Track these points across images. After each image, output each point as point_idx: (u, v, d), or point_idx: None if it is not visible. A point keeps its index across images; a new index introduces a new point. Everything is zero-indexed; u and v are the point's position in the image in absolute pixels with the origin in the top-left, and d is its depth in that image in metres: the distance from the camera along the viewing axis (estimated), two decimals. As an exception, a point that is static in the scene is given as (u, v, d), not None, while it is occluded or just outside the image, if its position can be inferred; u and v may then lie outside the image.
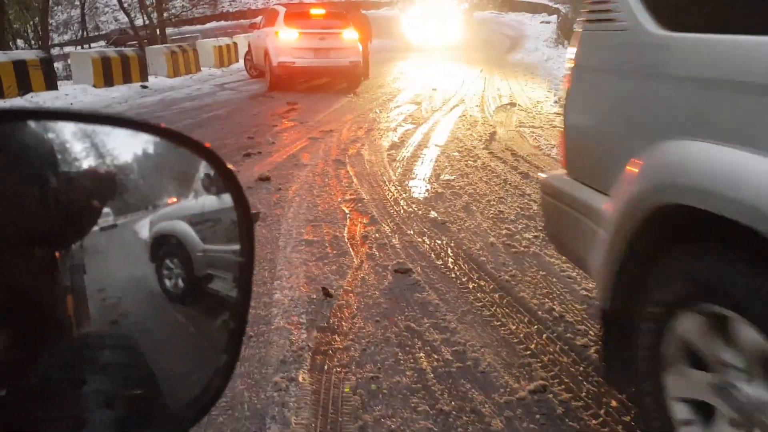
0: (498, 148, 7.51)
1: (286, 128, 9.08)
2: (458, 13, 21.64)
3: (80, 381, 0.66)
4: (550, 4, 32.35)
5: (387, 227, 4.71)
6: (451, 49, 20.90)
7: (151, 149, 0.72)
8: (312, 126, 9.13)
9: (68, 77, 15.34)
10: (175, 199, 0.77)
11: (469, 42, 23.06)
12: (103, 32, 34.00)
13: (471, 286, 3.61)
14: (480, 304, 3.38)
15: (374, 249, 4.25)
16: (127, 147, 0.71)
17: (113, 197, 0.71)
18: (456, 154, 7.21)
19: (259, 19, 17.95)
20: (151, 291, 0.74)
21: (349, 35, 13.33)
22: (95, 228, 0.68)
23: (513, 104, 11.36)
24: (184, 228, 0.76)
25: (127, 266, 0.74)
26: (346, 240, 4.44)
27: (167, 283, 0.75)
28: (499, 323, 3.16)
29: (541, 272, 3.77)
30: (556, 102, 11.65)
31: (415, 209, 5.14)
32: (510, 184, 5.85)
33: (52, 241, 0.67)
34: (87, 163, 0.69)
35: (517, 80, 15.45)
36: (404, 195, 5.57)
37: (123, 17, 30.47)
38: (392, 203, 5.32)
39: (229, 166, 0.73)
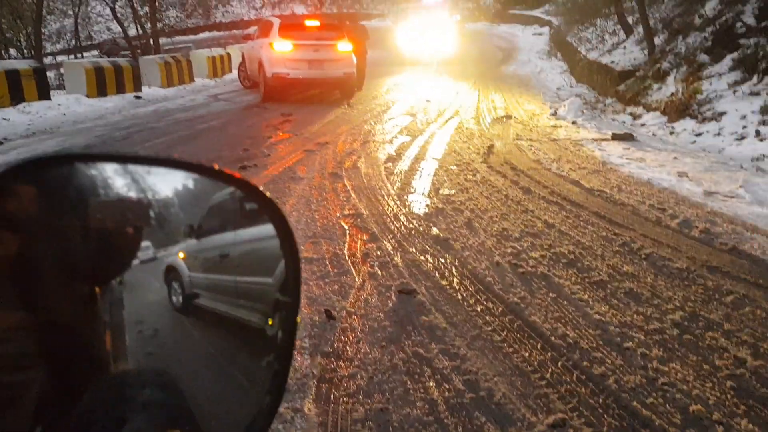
0: (497, 162, 7.40)
1: (281, 140, 8.94)
2: (451, 24, 21.38)
3: (121, 420, 0.66)
4: (542, 16, 32.48)
5: (388, 244, 4.57)
6: (445, 61, 20.50)
7: (191, 184, 0.75)
8: (307, 138, 8.99)
9: (61, 87, 15.14)
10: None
11: (462, 53, 23.01)
12: (96, 42, 33.80)
13: (479, 309, 3.47)
14: (490, 328, 3.25)
15: (376, 267, 4.11)
16: (166, 182, 0.73)
17: (148, 223, 0.72)
18: (454, 167, 7.09)
19: (253, 29, 17.88)
20: (189, 325, 0.75)
21: (344, 47, 13.24)
22: (135, 261, 0.70)
23: (509, 116, 11.29)
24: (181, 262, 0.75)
25: (164, 299, 0.74)
26: (347, 258, 4.30)
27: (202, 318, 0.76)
28: (511, 350, 3.02)
29: (551, 294, 3.64)
30: (552, 114, 11.60)
31: (416, 225, 5.01)
32: (511, 199, 5.74)
33: (93, 275, 0.68)
34: (126, 195, 0.72)
35: (511, 92, 15.41)
36: (404, 210, 5.44)
37: (116, 27, 30.32)
38: (392, 219, 5.19)
39: (273, 200, 0.74)
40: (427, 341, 3.13)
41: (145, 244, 0.71)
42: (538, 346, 3.05)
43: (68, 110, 12.02)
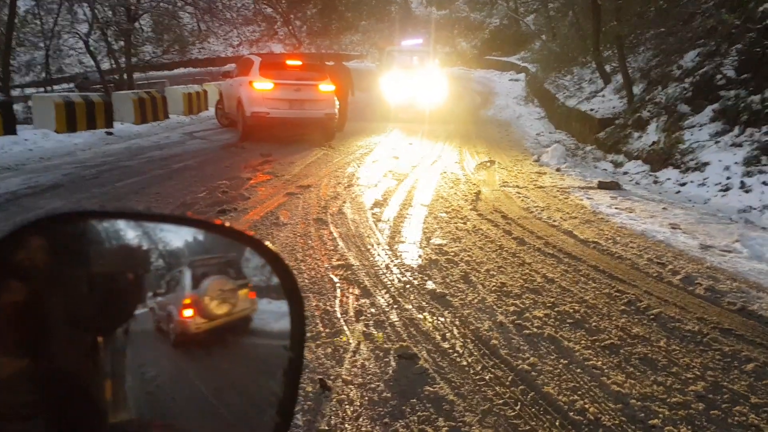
0: (486, 210, 7.21)
1: (261, 182, 8.66)
2: (437, 70, 19.99)
3: None
4: (518, 62, 32.99)
5: (382, 300, 4.29)
6: (424, 105, 18.80)
7: (200, 237, 0.77)
8: (288, 180, 8.73)
9: (28, 121, 14.65)
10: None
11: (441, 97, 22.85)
12: (67, 75, 33.30)
13: (487, 377, 3.20)
14: (501, 400, 2.97)
15: (371, 327, 3.83)
16: (177, 236, 0.75)
17: (147, 269, 0.72)
18: (444, 215, 6.88)
19: (231, 67, 17.71)
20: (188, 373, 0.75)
21: (325, 87, 13.10)
22: (139, 309, 0.70)
23: (492, 162, 11.18)
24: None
25: (167, 344, 0.74)
26: (339, 315, 4.00)
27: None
28: (528, 428, 2.75)
29: (562, 360, 3.39)
30: (535, 161, 11.54)
31: (410, 278, 4.75)
32: (506, 251, 5.52)
33: (97, 325, 0.69)
34: (125, 243, 0.73)
35: (492, 137, 15.41)
36: (396, 261, 5.18)
37: (88, 60, 29.94)
38: (384, 271, 4.92)
39: (281, 255, 0.75)
40: (434, 416, 2.84)
41: (149, 291, 0.70)
42: (557, 423, 2.79)
43: (35, 146, 11.55)
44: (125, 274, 0.71)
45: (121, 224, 0.73)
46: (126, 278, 0.71)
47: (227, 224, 0.76)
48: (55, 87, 29.45)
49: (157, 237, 0.73)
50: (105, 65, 28.24)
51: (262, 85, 12.60)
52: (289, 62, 13.55)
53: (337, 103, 13.31)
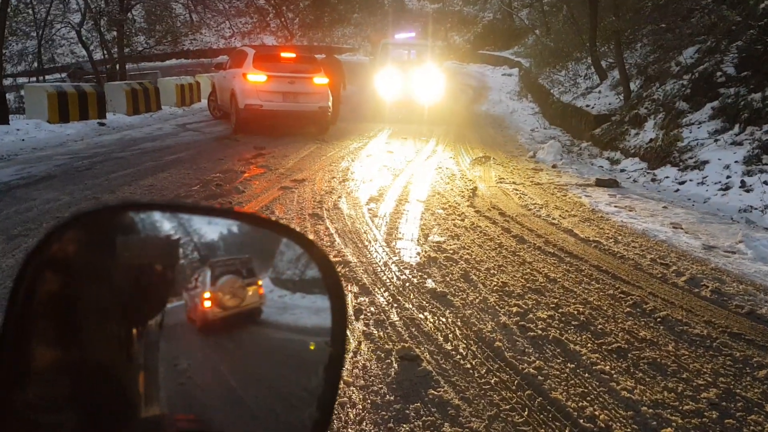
0: (483, 206, 7.11)
1: (255, 175, 8.52)
2: (434, 64, 17.89)
3: None
4: (511, 57, 32.91)
5: (381, 298, 4.18)
6: (421, 103, 17.37)
7: (235, 229, 0.78)
8: (283, 174, 8.59)
9: (21, 111, 14.41)
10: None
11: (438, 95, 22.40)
12: (59, 65, 32.92)
13: (493, 381, 3.09)
14: (508, 406, 2.87)
15: (371, 327, 3.71)
16: (212, 227, 0.76)
17: (176, 261, 0.72)
18: (441, 211, 6.77)
19: (223, 58, 17.50)
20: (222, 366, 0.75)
21: (319, 80, 12.94)
22: (171, 303, 0.71)
23: (487, 157, 11.07)
24: None
25: (200, 335, 0.75)
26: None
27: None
28: (537, 435, 2.64)
29: (569, 364, 3.29)
30: (531, 157, 11.45)
31: (409, 276, 4.64)
32: (506, 249, 5.42)
33: (130, 316, 0.69)
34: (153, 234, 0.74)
35: (486, 132, 15.32)
36: (394, 258, 5.06)
37: (80, 50, 29.64)
38: (382, 268, 4.81)
39: (320, 246, 0.76)
40: (440, 422, 2.73)
41: (183, 284, 0.71)
42: (567, 431, 2.68)
43: (27, 136, 11.37)
44: (156, 266, 0.71)
45: (156, 216, 0.73)
46: (157, 270, 0.71)
47: (268, 217, 0.82)
48: (48, 77, 29.10)
49: (192, 229, 0.74)
50: (97, 56, 27.92)
51: (256, 77, 12.43)
52: (283, 54, 13.39)
53: (330, 95, 13.15)
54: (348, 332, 0.56)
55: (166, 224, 0.73)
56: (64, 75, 29.74)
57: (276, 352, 0.80)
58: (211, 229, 0.75)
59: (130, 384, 0.68)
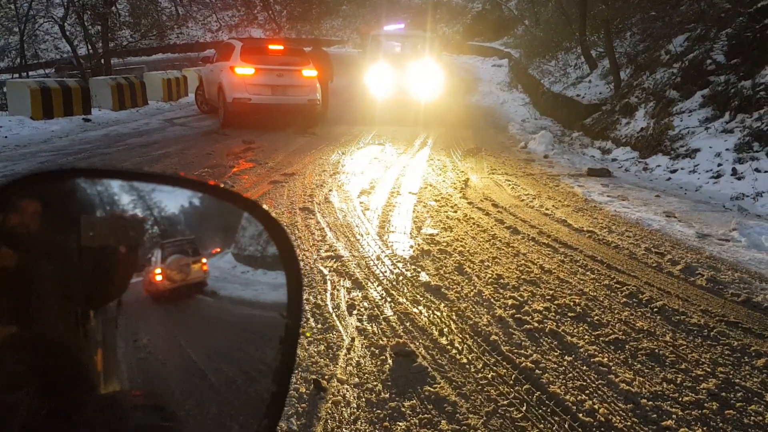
0: (476, 197, 7.05)
1: (244, 169, 8.42)
2: (431, 58, 16.21)
3: None
4: (501, 48, 32.82)
5: (375, 293, 4.11)
6: (414, 98, 15.66)
7: (197, 201, 0.76)
8: (272, 168, 8.49)
9: (3, 107, 14.20)
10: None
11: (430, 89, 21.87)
12: (43, 60, 32.50)
13: (490, 376, 3.03)
14: (506, 401, 2.81)
15: (365, 322, 3.65)
16: (173, 200, 0.74)
17: (141, 242, 0.71)
18: (433, 203, 6.71)
19: (210, 52, 17.29)
20: (184, 341, 0.75)
21: (308, 73, 12.81)
22: (133, 280, 0.70)
23: (479, 149, 11.02)
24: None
25: (165, 312, 0.75)
26: (331, 310, 3.81)
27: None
28: (536, 430, 2.59)
29: (566, 357, 3.24)
30: (522, 147, 11.40)
31: (403, 270, 4.57)
32: (500, 240, 5.36)
33: (88, 298, 0.68)
34: (119, 212, 0.71)
35: (478, 123, 15.24)
36: (387, 252, 4.99)
37: (64, 45, 29.26)
38: (375, 262, 4.74)
39: (279, 221, 0.75)
40: (436, 418, 2.67)
41: (142, 260, 0.70)
42: (566, 426, 2.63)
43: (10, 133, 11.19)
44: (121, 248, 0.69)
45: (115, 188, 0.71)
46: (121, 252, 0.68)
47: (223, 185, 0.72)
48: (31, 73, 28.73)
49: (152, 201, 0.72)
50: (82, 50, 27.58)
51: (244, 70, 12.30)
52: (271, 47, 13.24)
53: (319, 87, 13.04)
54: (303, 305, 0.71)
55: (125, 197, 0.71)
56: (48, 71, 29.37)
57: (236, 326, 0.81)
58: (171, 202, 0.73)
59: (88, 361, 0.67)
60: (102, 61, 24.01)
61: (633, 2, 13.24)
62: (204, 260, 0.76)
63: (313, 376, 2.97)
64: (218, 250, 0.79)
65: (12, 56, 30.22)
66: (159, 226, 0.74)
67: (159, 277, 0.74)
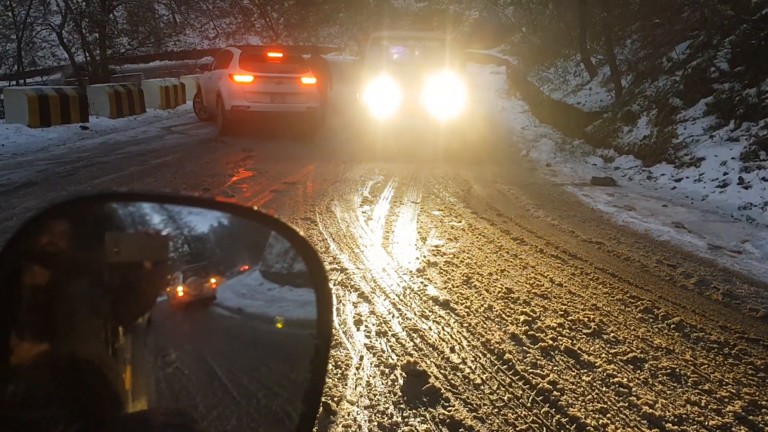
0: (480, 207, 6.93)
1: (244, 178, 8.30)
2: (450, 71, 11.52)
3: None
4: (498, 55, 32.80)
5: (382, 307, 3.99)
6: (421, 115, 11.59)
7: (225, 221, 0.78)
8: (273, 176, 8.37)
9: (0, 114, 14.07)
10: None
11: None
12: (40, 68, 32.36)
13: (506, 398, 2.91)
14: (524, 425, 2.69)
15: (373, 338, 3.52)
16: (202, 219, 0.76)
17: (165, 257, 0.72)
18: (437, 212, 6.59)
19: (208, 59, 17.17)
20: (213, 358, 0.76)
21: (307, 80, 12.70)
22: (160, 298, 0.72)
23: (481, 157, 10.90)
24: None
25: (193, 328, 0.78)
26: (337, 325, 3.69)
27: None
28: (559, 458, 2.46)
29: (584, 377, 3.11)
30: (524, 156, 11.31)
31: (409, 283, 4.45)
32: (507, 251, 5.24)
33: (117, 315, 0.68)
34: (144, 229, 0.72)
35: (478, 130, 15.11)
36: (392, 264, 4.87)
37: (62, 53, 29.14)
38: (381, 274, 4.62)
39: (308, 240, 0.75)
40: (453, 445, 2.54)
41: (179, 278, 0.72)
42: (590, 452, 2.50)
43: (7, 141, 11.06)
44: (146, 264, 0.69)
45: (146, 209, 0.72)
46: (147, 267, 0.69)
47: (256, 208, 0.75)
48: (29, 80, 28.61)
49: (182, 221, 0.73)
50: (79, 58, 27.46)
51: (242, 77, 12.19)
52: (270, 54, 13.13)
53: (318, 95, 12.92)
54: (334, 325, 0.54)
55: (155, 217, 0.72)
56: (45, 78, 29.24)
57: (262, 344, 0.82)
58: (201, 222, 0.75)
59: (117, 379, 0.67)
60: (100, 68, 23.90)
61: (634, 9, 13.18)
62: (213, 280, 0.78)
63: (322, 398, 2.83)
64: (246, 267, 0.81)
65: (9, 63, 30.06)
66: (189, 245, 0.75)
67: (181, 293, 0.76)
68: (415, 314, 3.88)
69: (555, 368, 3.21)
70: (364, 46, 14.14)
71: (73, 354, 0.63)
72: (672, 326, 3.77)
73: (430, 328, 3.68)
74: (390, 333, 3.60)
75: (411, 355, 3.31)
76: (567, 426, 2.69)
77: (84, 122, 13.70)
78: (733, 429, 2.70)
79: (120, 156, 9.96)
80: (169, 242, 0.73)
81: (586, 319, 3.83)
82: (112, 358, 0.68)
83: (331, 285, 0.64)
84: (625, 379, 3.10)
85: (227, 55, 13.30)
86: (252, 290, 0.80)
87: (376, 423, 2.69)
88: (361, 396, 2.91)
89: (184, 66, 31.56)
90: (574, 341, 3.52)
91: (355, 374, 3.11)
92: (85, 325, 0.65)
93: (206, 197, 0.72)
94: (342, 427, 2.65)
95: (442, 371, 3.16)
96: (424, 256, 5.03)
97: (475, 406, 2.84)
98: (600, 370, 3.19)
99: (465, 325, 3.73)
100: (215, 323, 0.79)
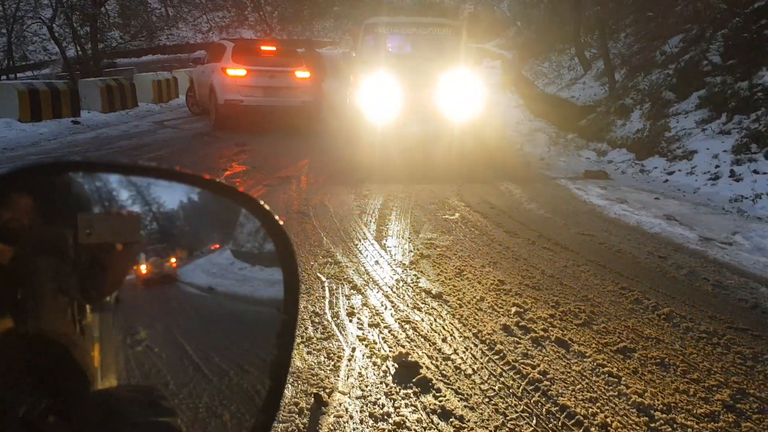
0: (473, 200, 6.95)
1: (237, 173, 8.30)
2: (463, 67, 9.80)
3: None
4: (494, 50, 32.78)
5: (375, 299, 4.00)
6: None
7: (195, 197, 0.76)
8: (266, 171, 8.37)
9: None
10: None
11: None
12: (31, 62, 32.18)
13: (497, 387, 2.93)
14: (515, 414, 2.71)
15: (365, 330, 3.54)
16: (171, 195, 0.74)
17: (138, 239, 0.71)
18: (432, 206, 6.60)
19: (201, 53, 17.13)
20: (179, 335, 0.75)
21: (302, 74, 12.67)
22: (129, 277, 0.70)
23: (474, 150, 10.88)
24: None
25: (162, 307, 0.78)
26: (330, 318, 3.70)
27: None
28: (548, 446, 2.48)
29: (574, 367, 3.14)
30: (518, 149, 11.32)
31: (402, 275, 4.46)
32: (499, 243, 5.26)
33: (85, 293, 0.67)
34: (117, 210, 0.71)
35: (471, 124, 15.11)
36: (386, 257, 4.88)
37: (53, 47, 28.98)
38: (374, 267, 4.63)
39: (276, 217, 0.75)
40: (444, 434, 2.56)
41: (140, 257, 0.71)
42: (579, 440, 2.53)
43: (-2, 135, 11.03)
44: (117, 245, 0.68)
45: (113, 183, 0.70)
46: (118, 249, 0.68)
47: (222, 180, 0.73)
48: (19, 74, 28.44)
49: (150, 197, 0.72)
50: (70, 52, 27.31)
51: (235, 71, 12.16)
52: (264, 48, 13.10)
53: (313, 89, 12.90)
54: (300, 301, 0.64)
55: (123, 192, 0.70)
56: (36, 72, 29.07)
57: (231, 321, 0.82)
58: (169, 197, 0.73)
59: (85, 357, 0.67)
60: (92, 62, 23.78)
61: (628, 3, 13.20)
62: (173, 260, 0.78)
63: (314, 390, 2.85)
64: (217, 246, 0.80)
65: (0, 58, 29.88)
66: (158, 223, 0.74)
67: (144, 271, 0.76)
68: (407, 306, 3.89)
69: (545, 358, 3.23)
70: (358, 33, 10.77)
71: (39, 331, 0.63)
72: (662, 317, 3.79)
73: (422, 320, 3.70)
74: (383, 324, 3.61)
75: (403, 347, 3.33)
76: (557, 415, 2.71)
77: (75, 117, 13.66)
78: (721, 416, 2.73)
79: (112, 150, 9.94)
80: (141, 223, 0.72)
81: (576, 310, 3.85)
82: (80, 336, 0.67)
83: (297, 261, 0.71)
84: (615, 369, 3.12)
85: (220, 48, 13.25)
86: (223, 269, 0.79)
87: (367, 413, 2.71)
88: (353, 387, 2.92)
89: (178, 60, 31.44)
90: (565, 332, 3.54)
91: (347, 366, 3.13)
92: (51, 302, 0.64)
93: (170, 168, 0.68)
94: (334, 417, 2.67)
95: (433, 362, 3.18)
96: (417, 249, 5.04)
97: (466, 395, 2.86)
98: (590, 359, 3.22)
99: (456, 316, 3.75)
100: (186, 302, 0.78)
